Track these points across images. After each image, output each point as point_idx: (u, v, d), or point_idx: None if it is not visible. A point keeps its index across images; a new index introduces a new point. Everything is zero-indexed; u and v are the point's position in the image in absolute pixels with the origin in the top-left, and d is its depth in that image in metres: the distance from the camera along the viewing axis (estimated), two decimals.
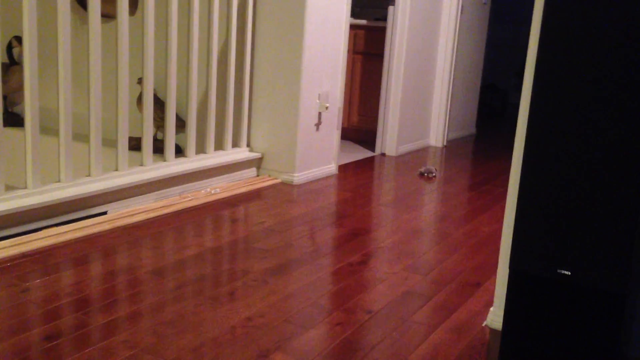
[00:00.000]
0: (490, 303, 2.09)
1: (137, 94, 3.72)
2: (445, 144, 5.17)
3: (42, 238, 2.35)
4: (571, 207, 1.46)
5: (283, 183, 3.51)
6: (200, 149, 3.40)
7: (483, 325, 1.93)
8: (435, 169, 4.01)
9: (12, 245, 2.25)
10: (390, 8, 4.41)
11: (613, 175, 1.42)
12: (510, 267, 1.54)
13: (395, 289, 2.15)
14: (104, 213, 2.70)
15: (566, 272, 1.43)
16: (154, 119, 3.48)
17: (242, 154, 3.51)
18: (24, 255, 2.21)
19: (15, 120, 4.28)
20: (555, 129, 1.49)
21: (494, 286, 2.23)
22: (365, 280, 2.21)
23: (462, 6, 5.01)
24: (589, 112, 1.45)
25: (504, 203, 3.45)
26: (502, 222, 3.09)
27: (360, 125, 4.94)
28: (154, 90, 3.54)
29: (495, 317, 1.86)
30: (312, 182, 3.60)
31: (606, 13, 1.41)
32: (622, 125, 1.41)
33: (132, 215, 2.71)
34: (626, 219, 1.40)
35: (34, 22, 2.38)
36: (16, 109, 4.51)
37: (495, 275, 2.34)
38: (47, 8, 4.15)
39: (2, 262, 2.14)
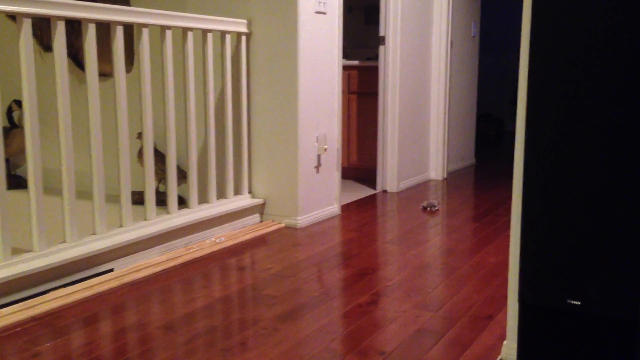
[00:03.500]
0: (503, 336, 2.08)
1: (138, 148, 3.76)
2: (445, 176, 5.19)
3: (51, 300, 2.35)
4: (576, 236, 1.47)
5: (287, 227, 3.52)
6: (203, 198, 3.42)
7: (498, 359, 1.91)
8: (438, 202, 4.02)
9: (21, 310, 2.25)
10: (381, 47, 4.49)
11: (618, 200, 1.43)
12: (519, 300, 1.54)
13: (407, 328, 2.14)
14: (111, 270, 2.70)
15: (576, 302, 1.43)
16: (156, 172, 3.51)
17: (244, 200, 3.53)
18: (33, 319, 2.20)
19: (18, 182, 4.32)
20: (552, 156, 1.50)
21: (506, 318, 2.22)
22: (376, 321, 2.20)
23: (451, 41, 5.09)
24: (587, 135, 1.46)
25: (509, 232, 3.45)
26: (508, 252, 3.08)
27: (359, 164, 4.97)
28: (154, 143, 3.58)
29: (509, 351, 1.84)
30: (315, 224, 3.60)
31: (593, 38, 1.44)
32: (624, 149, 1.43)
33: (139, 270, 2.71)
34: (634, 245, 1.41)
35: (33, 85, 2.42)
36: (19, 171, 4.55)
37: (506, 306, 2.33)
38: (46, 70, 4.22)
39: (12, 327, 2.13)
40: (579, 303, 1.44)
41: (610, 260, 1.43)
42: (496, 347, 1.99)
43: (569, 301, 1.45)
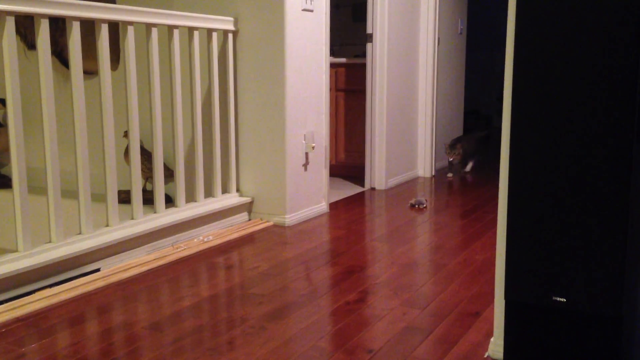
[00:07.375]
0: (490, 332, 2.08)
1: (124, 146, 3.73)
2: (433, 173, 5.20)
3: (36, 301, 2.33)
4: (562, 233, 1.48)
5: (275, 225, 3.51)
6: (190, 197, 3.41)
7: (485, 356, 1.92)
8: (426, 200, 4.03)
9: (5, 311, 2.23)
10: (369, 45, 4.49)
11: (603, 198, 1.44)
12: (505, 298, 1.54)
13: (394, 325, 2.14)
14: (97, 270, 2.68)
15: (561, 299, 1.44)
16: (142, 171, 3.49)
17: (232, 199, 3.52)
18: (18, 320, 2.18)
19: (3, 182, 4.28)
20: (538, 154, 1.51)
21: (493, 315, 2.23)
22: (364, 319, 2.20)
23: (438, 37, 5.10)
24: (572, 133, 1.47)
25: (496, 229, 3.46)
26: (495, 250, 3.09)
27: (347, 162, 4.97)
28: (141, 141, 3.56)
29: (496, 348, 1.85)
30: (304, 222, 3.60)
31: (576, 35, 1.45)
32: (608, 146, 1.44)
33: (126, 269, 2.69)
34: (618, 242, 1.42)
35: (17, 84, 2.40)
36: (3, 171, 4.51)
37: (494, 303, 2.34)
38: (30, 67, 4.19)
39: None
40: (565, 300, 1.45)
41: (595, 257, 1.43)
42: (483, 344, 1.99)
43: (554, 298, 1.46)
